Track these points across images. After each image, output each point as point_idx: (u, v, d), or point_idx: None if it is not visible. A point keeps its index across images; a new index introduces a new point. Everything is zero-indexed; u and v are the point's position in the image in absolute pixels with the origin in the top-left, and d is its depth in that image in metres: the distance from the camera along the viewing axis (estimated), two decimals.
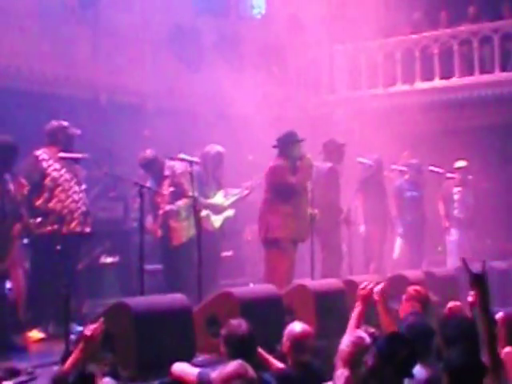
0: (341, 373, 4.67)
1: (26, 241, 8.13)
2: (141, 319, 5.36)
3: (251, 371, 4.34)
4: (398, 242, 12.45)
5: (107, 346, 5.26)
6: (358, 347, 4.84)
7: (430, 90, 15.19)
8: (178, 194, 9.01)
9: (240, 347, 4.97)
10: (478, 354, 4.08)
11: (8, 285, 7.78)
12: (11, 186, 7.32)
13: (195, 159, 8.03)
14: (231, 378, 4.19)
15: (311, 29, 15.72)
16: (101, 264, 9.58)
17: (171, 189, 9.02)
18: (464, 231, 12.50)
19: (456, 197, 12.98)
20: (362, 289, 6.16)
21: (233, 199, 10.29)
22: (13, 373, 5.29)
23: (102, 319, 4.94)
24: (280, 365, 5.52)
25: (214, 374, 4.49)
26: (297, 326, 5.57)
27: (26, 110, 10.63)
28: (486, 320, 4.12)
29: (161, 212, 9.04)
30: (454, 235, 12.60)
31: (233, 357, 4.95)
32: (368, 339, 5.07)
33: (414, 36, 15.69)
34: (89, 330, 4.84)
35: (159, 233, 9.14)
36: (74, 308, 7.59)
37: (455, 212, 12.71)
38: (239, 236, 11.70)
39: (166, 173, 9.10)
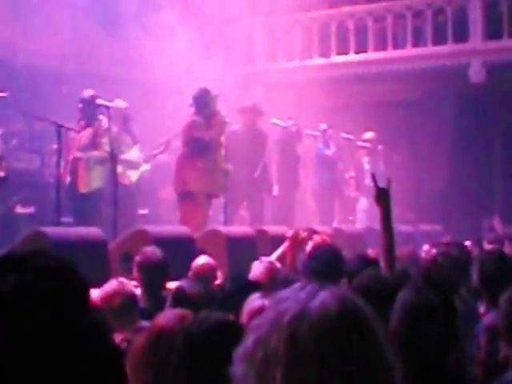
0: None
1: None
2: (57, 246, 5.53)
3: (130, 287, 4.58)
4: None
5: None
6: (272, 271, 5.24)
7: (344, 63, 15.61)
8: (95, 145, 9.15)
9: (154, 273, 5.20)
10: None
11: None
12: None
13: (111, 104, 8.21)
14: (111, 295, 4.41)
15: (231, 1, 15.92)
16: (16, 213, 9.66)
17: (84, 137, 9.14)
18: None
19: (367, 166, 13.44)
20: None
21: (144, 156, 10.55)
22: None
23: None
24: None
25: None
26: (200, 259, 5.87)
27: None
28: (387, 231, 4.52)
29: (71, 157, 9.06)
30: (363, 204, 13.04)
31: (146, 282, 5.19)
32: (278, 264, 5.49)
33: (330, 11, 16.09)
34: None
35: (67, 179, 9.17)
36: None
37: (366, 181, 13.14)
38: (155, 195, 11.88)
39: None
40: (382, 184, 4.75)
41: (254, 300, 4.22)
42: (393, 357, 1.43)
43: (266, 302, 3.92)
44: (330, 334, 1.35)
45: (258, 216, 10.30)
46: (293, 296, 1.41)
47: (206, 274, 5.81)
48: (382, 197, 4.58)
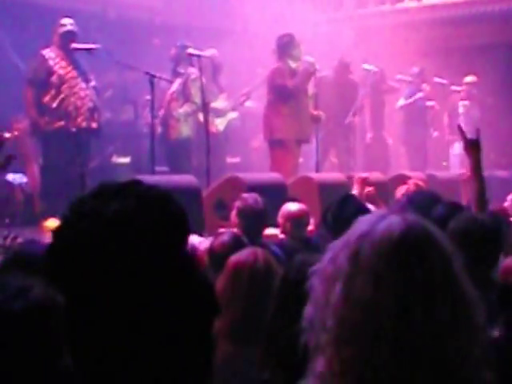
0: None
1: None
2: None
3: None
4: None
5: None
6: None
7: (436, 6, 15.21)
8: (185, 96, 9.20)
9: (254, 220, 5.20)
10: None
11: (24, 179, 8.08)
12: None
13: (204, 53, 8.25)
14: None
15: None
16: (113, 163, 9.85)
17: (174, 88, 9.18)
18: None
19: (461, 110, 13.17)
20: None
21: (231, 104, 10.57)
22: None
23: None
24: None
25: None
26: (292, 206, 5.84)
27: (35, 24, 10.76)
28: (479, 180, 4.45)
29: (161, 112, 9.11)
30: (457, 149, 12.77)
31: (246, 229, 5.18)
32: None
33: None
34: None
35: (159, 129, 9.31)
36: None
37: (461, 125, 12.86)
38: (246, 144, 11.92)
39: (182, 71, 9.25)
40: (471, 135, 4.66)
41: None
42: (467, 287, 1.43)
43: None
44: (388, 254, 1.40)
45: (346, 163, 10.27)
46: (367, 218, 1.48)
47: (300, 220, 5.80)
48: (473, 147, 4.51)
